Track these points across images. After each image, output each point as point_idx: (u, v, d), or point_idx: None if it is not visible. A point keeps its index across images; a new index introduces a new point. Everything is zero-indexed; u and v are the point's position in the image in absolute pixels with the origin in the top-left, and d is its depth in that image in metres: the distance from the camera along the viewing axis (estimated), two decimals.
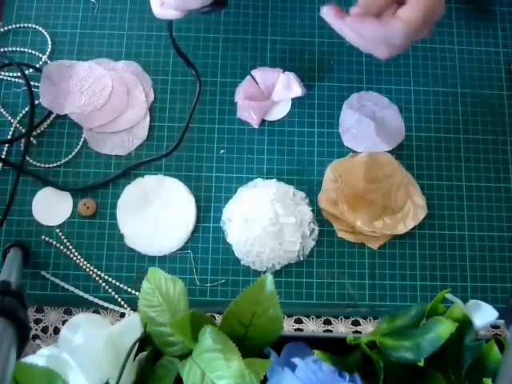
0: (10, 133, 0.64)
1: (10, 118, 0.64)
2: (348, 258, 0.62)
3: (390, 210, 0.62)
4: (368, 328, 0.60)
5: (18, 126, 0.64)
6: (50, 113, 0.64)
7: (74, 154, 0.64)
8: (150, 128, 0.65)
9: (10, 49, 0.67)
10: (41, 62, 0.66)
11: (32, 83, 0.64)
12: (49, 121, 0.65)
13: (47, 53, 0.67)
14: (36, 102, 0.64)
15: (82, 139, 0.64)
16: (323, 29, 0.69)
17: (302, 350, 0.45)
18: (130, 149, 0.64)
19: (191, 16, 0.69)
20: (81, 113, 0.64)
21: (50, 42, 0.67)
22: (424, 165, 0.65)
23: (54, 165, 0.63)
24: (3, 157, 0.63)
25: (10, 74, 0.66)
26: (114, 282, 0.60)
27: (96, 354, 0.42)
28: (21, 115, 0.65)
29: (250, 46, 0.69)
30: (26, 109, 0.65)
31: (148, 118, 0.65)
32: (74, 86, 0.65)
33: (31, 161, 0.63)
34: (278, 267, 0.61)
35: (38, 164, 0.63)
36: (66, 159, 0.64)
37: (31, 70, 0.66)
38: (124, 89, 0.65)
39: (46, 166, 0.63)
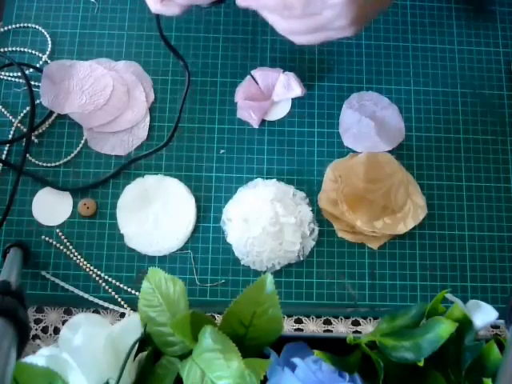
0: (11, 133, 0.64)
1: (11, 117, 0.64)
2: (348, 258, 0.62)
3: (390, 209, 0.62)
4: (368, 328, 0.60)
5: (19, 125, 0.64)
6: (51, 113, 0.64)
7: (74, 154, 0.64)
8: (150, 128, 0.65)
9: (10, 49, 0.67)
10: (41, 62, 0.66)
11: (32, 83, 0.64)
12: (50, 120, 0.64)
13: (47, 52, 0.67)
14: (37, 101, 0.64)
15: (83, 139, 0.64)
16: None
17: (302, 350, 0.45)
18: (130, 149, 0.64)
19: (191, 16, 0.69)
20: (81, 112, 0.64)
21: (50, 42, 0.67)
22: (424, 165, 0.65)
23: (54, 164, 0.63)
24: (4, 156, 0.63)
25: (11, 74, 0.66)
26: (114, 281, 0.60)
27: (96, 354, 0.42)
28: (22, 115, 0.65)
29: (250, 46, 0.69)
30: (27, 108, 0.65)
31: (148, 118, 0.65)
32: (75, 86, 0.65)
33: (33, 160, 0.63)
34: (277, 267, 0.61)
35: (39, 163, 0.63)
36: (67, 159, 0.63)
37: (31, 70, 0.66)
38: (124, 89, 0.66)
39: (47, 165, 0.63)
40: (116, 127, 0.65)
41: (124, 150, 0.64)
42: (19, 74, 0.65)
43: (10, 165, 0.62)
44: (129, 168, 0.63)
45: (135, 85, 0.66)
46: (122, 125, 0.65)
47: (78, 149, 0.64)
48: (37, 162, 0.63)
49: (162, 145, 0.63)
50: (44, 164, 0.63)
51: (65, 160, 0.63)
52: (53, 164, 0.63)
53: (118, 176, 0.63)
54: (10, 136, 0.64)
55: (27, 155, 0.63)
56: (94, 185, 0.63)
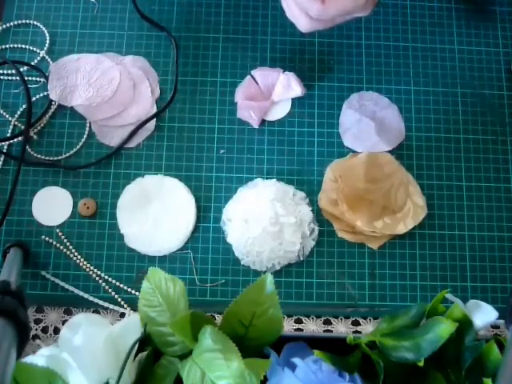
0: (9, 131, 0.64)
1: (8, 116, 0.64)
2: (348, 258, 0.62)
3: (390, 210, 0.62)
4: (368, 328, 0.60)
5: (16, 123, 0.64)
6: (48, 109, 0.65)
7: (75, 150, 0.64)
8: (159, 119, 0.65)
9: (10, 45, 0.67)
10: (38, 58, 0.66)
11: (33, 78, 0.65)
12: (47, 116, 0.64)
13: (47, 50, 0.67)
14: (33, 98, 0.65)
15: (85, 135, 0.64)
16: None
17: (302, 350, 0.45)
18: (139, 140, 0.64)
19: (191, 16, 0.69)
20: (88, 105, 0.64)
21: (49, 41, 0.67)
22: (424, 165, 0.65)
23: (56, 158, 0.63)
24: (3, 157, 0.63)
25: (8, 72, 0.66)
26: (114, 281, 0.60)
27: (96, 354, 0.42)
28: (18, 113, 0.65)
29: (250, 46, 0.69)
30: (24, 106, 0.65)
31: (155, 110, 0.65)
32: (82, 79, 0.65)
33: (34, 154, 0.63)
34: (277, 267, 0.61)
35: (41, 156, 0.63)
36: (69, 153, 0.64)
37: (32, 64, 0.66)
38: (130, 83, 0.66)
39: (49, 158, 0.63)
40: (120, 121, 0.65)
41: (133, 142, 0.64)
42: (18, 73, 0.65)
43: (11, 156, 0.63)
44: (129, 167, 0.63)
45: (141, 80, 0.66)
46: (126, 119, 0.65)
47: (80, 145, 0.64)
48: (38, 155, 0.63)
49: (157, 111, 0.65)
50: (46, 156, 0.63)
51: (66, 155, 0.63)
52: (55, 157, 0.63)
53: (106, 167, 0.63)
54: (8, 135, 0.64)
55: (29, 150, 0.63)
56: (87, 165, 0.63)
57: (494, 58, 0.70)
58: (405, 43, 0.69)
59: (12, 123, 0.64)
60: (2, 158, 0.63)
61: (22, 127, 0.64)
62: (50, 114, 0.65)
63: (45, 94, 0.65)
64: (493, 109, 0.68)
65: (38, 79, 0.66)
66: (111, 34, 0.68)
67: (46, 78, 0.65)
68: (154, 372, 0.43)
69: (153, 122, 0.65)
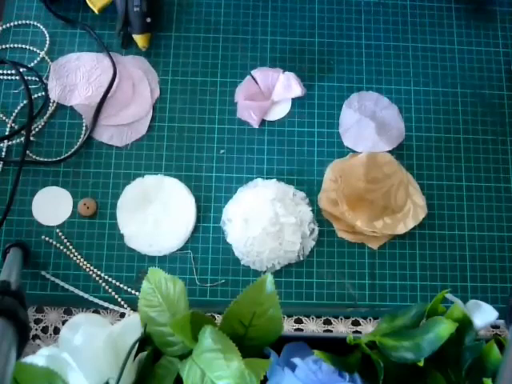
0: (7, 132, 0.64)
1: (5, 118, 0.64)
2: (348, 258, 0.62)
3: (390, 210, 0.62)
4: (368, 328, 0.60)
5: (13, 125, 0.64)
6: (44, 109, 0.64)
7: (74, 150, 0.64)
8: (152, 122, 0.65)
9: (10, 45, 0.67)
10: (38, 59, 0.66)
11: (32, 78, 0.65)
12: (45, 118, 0.64)
13: (47, 51, 0.67)
14: (32, 97, 0.64)
15: (84, 135, 0.64)
16: (323, 29, 0.70)
17: (302, 350, 0.45)
18: (127, 141, 0.64)
19: (191, 16, 0.69)
20: (88, 104, 0.64)
21: (49, 41, 0.67)
22: (424, 165, 0.65)
23: (56, 159, 0.63)
24: (4, 155, 0.63)
25: (8, 72, 0.66)
26: (114, 281, 0.60)
27: (96, 354, 0.42)
28: (15, 113, 0.65)
29: (250, 46, 0.69)
30: (18, 108, 0.65)
31: (150, 114, 0.65)
32: (82, 77, 0.65)
33: (33, 154, 0.63)
34: (277, 267, 0.61)
35: (40, 156, 0.63)
36: (69, 153, 0.63)
37: (32, 64, 0.66)
38: (130, 83, 0.66)
39: (48, 159, 0.63)
40: (118, 120, 0.65)
41: (121, 141, 0.64)
42: (13, 71, 0.65)
43: (10, 161, 0.62)
44: (129, 167, 0.63)
45: (141, 80, 0.66)
46: (124, 119, 0.65)
47: (80, 143, 0.64)
48: (37, 156, 0.63)
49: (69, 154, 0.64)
50: (45, 158, 0.63)
51: (66, 155, 0.63)
52: (54, 158, 0.63)
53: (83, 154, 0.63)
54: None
55: (28, 151, 0.63)
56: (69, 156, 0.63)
57: (494, 58, 0.70)
58: (405, 43, 0.69)
59: (9, 124, 0.64)
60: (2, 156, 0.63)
61: (18, 128, 0.64)
62: (48, 114, 0.65)
63: (39, 94, 0.65)
64: (493, 109, 0.68)
65: (35, 79, 0.66)
66: (111, 34, 0.68)
67: (41, 79, 0.65)
68: (154, 372, 0.43)
69: (145, 125, 0.65)
